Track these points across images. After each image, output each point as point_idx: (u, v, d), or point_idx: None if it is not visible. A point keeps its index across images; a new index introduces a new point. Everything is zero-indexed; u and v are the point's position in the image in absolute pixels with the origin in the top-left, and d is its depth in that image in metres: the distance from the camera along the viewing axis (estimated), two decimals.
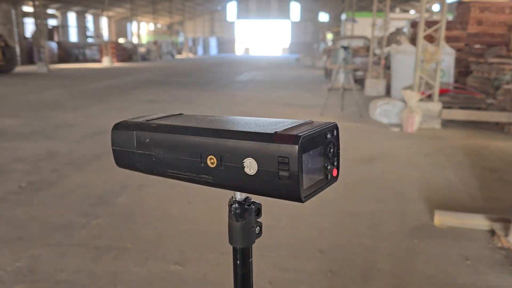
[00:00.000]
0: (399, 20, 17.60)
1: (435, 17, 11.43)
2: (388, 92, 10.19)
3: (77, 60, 27.67)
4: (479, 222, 3.06)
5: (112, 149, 0.71)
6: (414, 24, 11.37)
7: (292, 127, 0.57)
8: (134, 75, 17.62)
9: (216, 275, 2.47)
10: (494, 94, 6.78)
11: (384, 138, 6.08)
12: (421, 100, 6.52)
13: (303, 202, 0.54)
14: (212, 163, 0.59)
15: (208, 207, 3.52)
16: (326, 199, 3.60)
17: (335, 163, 0.63)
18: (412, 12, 27.28)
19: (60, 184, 4.09)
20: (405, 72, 8.35)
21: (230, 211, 0.67)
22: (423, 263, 2.60)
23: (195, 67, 23.96)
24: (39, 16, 18.74)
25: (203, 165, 0.60)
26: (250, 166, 0.55)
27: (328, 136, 0.60)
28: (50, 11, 29.43)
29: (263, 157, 0.54)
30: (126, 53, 27.26)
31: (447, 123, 6.83)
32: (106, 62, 23.71)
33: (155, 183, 4.11)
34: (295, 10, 51.92)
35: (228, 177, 0.58)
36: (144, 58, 29.73)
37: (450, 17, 15.51)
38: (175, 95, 10.76)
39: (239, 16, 52.88)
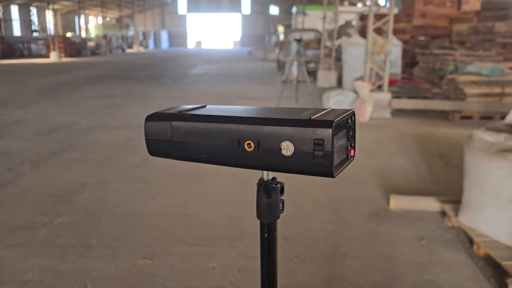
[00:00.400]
0: (348, 13, 18.10)
1: (382, 10, 11.86)
2: (339, 83, 10.50)
3: (21, 55, 26.25)
4: (431, 204, 3.29)
5: (146, 139, 0.75)
6: (362, 17, 11.76)
7: (321, 114, 0.64)
8: (84, 70, 17.02)
9: (185, 267, 2.51)
10: (439, 84, 7.19)
11: None
12: (372, 90, 6.80)
13: (334, 177, 0.62)
14: (250, 147, 0.66)
15: (171, 201, 3.53)
16: (288, 188, 3.71)
17: (353, 144, 0.71)
18: (359, 5, 28.05)
19: (17, 183, 3.95)
20: (356, 64, 8.65)
21: (259, 190, 0.74)
22: (382, 245, 2.77)
23: (147, 61, 23.46)
24: None
25: (240, 149, 0.67)
26: (287, 148, 0.63)
27: (349, 121, 0.68)
28: None
29: (299, 140, 0.62)
30: (74, 48, 26.19)
31: (396, 112, 7.17)
32: (53, 57, 22.68)
33: (116, 179, 4.07)
34: (246, 3, 51.88)
35: (265, 159, 0.66)
36: (93, 52, 28.66)
37: (396, 10, 16.14)
38: (129, 90, 10.54)
39: (190, 9, 52.10)
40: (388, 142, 5.53)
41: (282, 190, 0.77)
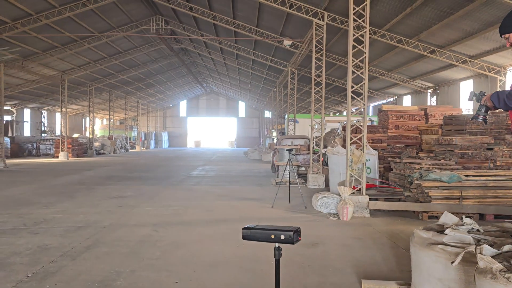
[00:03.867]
0: (333, 122, 20.24)
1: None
2: (327, 185, 11.75)
3: (30, 155, 27.84)
4: (393, 287, 4.31)
5: (242, 236, 2.00)
6: (344, 128, 13.46)
7: (291, 228, 1.92)
8: (93, 170, 18.32)
9: None
10: (410, 188, 8.46)
11: (325, 226, 7.39)
12: (353, 193, 8.03)
13: (294, 244, 1.86)
14: (273, 237, 1.94)
15: (193, 285, 4.52)
16: (282, 275, 4.74)
17: (299, 237, 2.05)
18: (344, 113, 30.75)
19: (63, 272, 4.90)
20: (340, 169, 10.00)
21: (275, 249, 2.07)
22: None
23: (150, 161, 24.95)
24: None
25: (272, 238, 1.93)
26: (283, 238, 1.93)
27: (298, 230, 2.06)
28: (5, 106, 30.12)
29: (287, 234, 2.00)
30: (81, 148, 27.95)
31: (374, 212, 8.32)
32: (62, 156, 24.26)
33: (143, 268, 5.06)
34: (242, 108, 55.89)
35: (278, 240, 1.95)
36: (98, 152, 30.44)
37: (375, 120, 18.12)
38: (138, 191, 11.67)
39: (190, 113, 56.03)
40: (366, 238, 6.59)
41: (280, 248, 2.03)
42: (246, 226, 2.23)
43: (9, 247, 5.93)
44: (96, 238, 6.49)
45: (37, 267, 5.09)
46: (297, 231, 2.13)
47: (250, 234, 2.14)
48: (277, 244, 2.14)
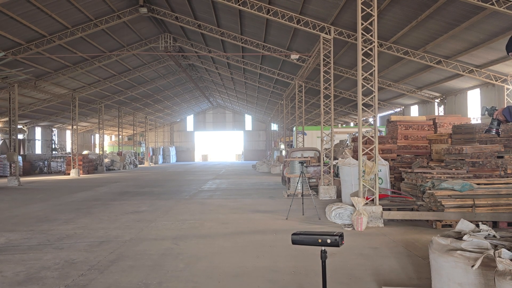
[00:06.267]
0: (341, 133, 20.45)
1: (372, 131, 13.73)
2: (339, 196, 11.91)
3: (41, 172, 28.20)
4: None
5: (292, 241, 2.20)
6: (354, 139, 13.66)
7: (335, 233, 2.14)
8: (105, 186, 18.58)
9: None
10: (422, 197, 8.60)
11: None
12: (366, 204, 8.19)
13: (339, 247, 2.07)
14: (319, 241, 2.13)
15: None
16: (305, 284, 4.90)
17: (343, 241, 2.29)
18: (351, 124, 30.99)
19: (93, 285, 5.10)
20: (352, 180, 10.17)
21: (321, 252, 2.24)
22: None
23: (160, 176, 25.21)
24: (13, 133, 19.90)
25: (319, 242, 2.13)
26: (329, 241, 2.14)
27: (342, 235, 2.26)
28: (18, 125, 30.72)
29: (333, 239, 2.20)
30: (92, 164, 28.31)
31: (388, 222, 8.45)
32: (73, 173, 24.60)
33: (169, 280, 5.25)
34: (248, 121, 56.32)
35: (325, 243, 2.19)
36: (108, 168, 30.76)
37: (383, 130, 18.30)
38: (153, 205, 11.89)
39: (197, 128, 56.60)
40: (382, 247, 6.74)
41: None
42: (295, 232, 2.46)
43: (38, 262, 6.15)
44: (120, 252, 6.69)
45: (68, 280, 5.29)
46: (341, 236, 2.37)
47: (299, 239, 2.36)
48: (323, 248, 2.36)
